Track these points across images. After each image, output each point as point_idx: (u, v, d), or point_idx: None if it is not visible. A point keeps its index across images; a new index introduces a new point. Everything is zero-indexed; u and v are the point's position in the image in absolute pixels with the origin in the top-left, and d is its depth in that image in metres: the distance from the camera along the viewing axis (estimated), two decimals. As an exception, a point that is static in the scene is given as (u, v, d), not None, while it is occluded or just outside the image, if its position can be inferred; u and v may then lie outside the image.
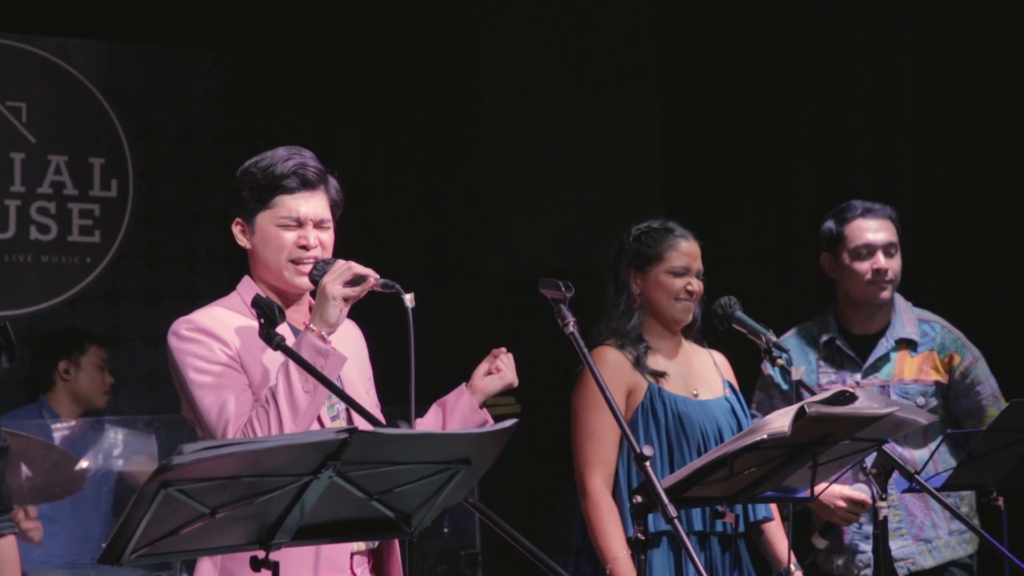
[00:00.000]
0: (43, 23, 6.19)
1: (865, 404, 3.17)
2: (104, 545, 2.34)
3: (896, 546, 4.21)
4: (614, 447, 3.82)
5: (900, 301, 4.38)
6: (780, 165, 6.19)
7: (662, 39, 6.63)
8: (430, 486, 2.49)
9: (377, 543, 3.10)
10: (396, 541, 3.09)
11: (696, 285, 3.90)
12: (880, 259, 4.27)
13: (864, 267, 4.28)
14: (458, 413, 3.19)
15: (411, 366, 2.89)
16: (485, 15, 6.90)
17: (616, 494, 3.80)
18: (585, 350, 3.17)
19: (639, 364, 3.86)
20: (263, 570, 2.43)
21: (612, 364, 3.84)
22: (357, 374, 3.19)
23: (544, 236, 6.81)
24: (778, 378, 4.32)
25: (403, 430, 2.53)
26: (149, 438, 5.42)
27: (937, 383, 4.31)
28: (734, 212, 6.17)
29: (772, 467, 3.19)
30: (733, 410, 3.90)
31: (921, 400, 4.26)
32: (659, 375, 3.86)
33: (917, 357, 4.31)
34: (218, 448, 2.24)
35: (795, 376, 3.66)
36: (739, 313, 3.90)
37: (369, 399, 3.19)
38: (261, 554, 2.42)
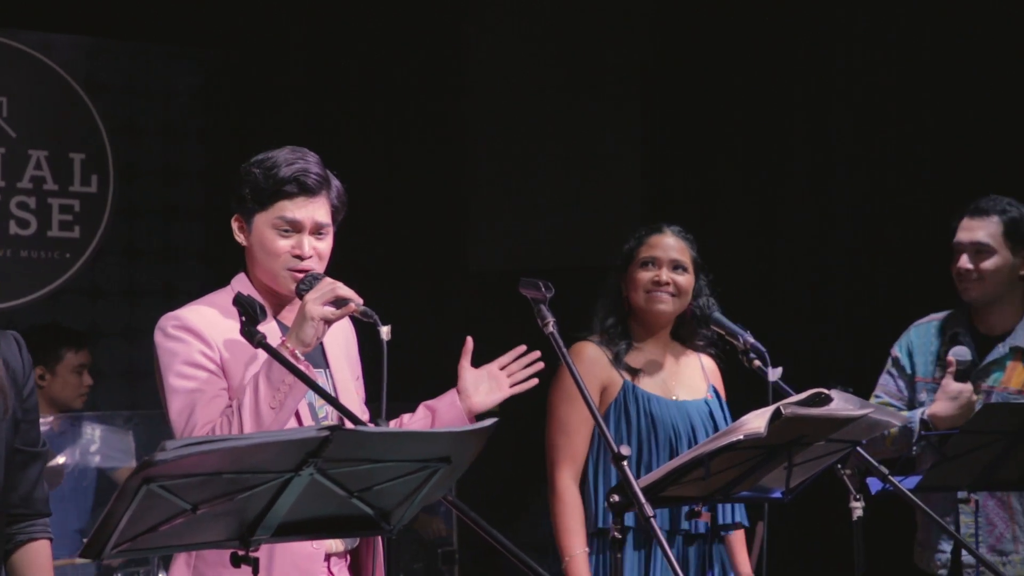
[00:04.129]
0: (25, 18, 6.19)
1: (840, 406, 3.19)
2: (85, 540, 2.35)
3: (967, 552, 4.05)
4: (584, 442, 3.85)
5: None
6: (763, 165, 6.23)
7: (645, 40, 6.66)
8: (410, 484, 2.51)
9: (356, 543, 3.10)
10: (379, 541, 3.08)
11: (666, 276, 3.89)
12: (964, 260, 4.22)
13: (954, 266, 4.26)
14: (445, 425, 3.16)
15: (383, 395, 2.87)
16: (470, 13, 6.91)
17: (584, 488, 3.84)
18: (564, 350, 3.18)
19: (617, 361, 3.88)
20: (243, 566, 2.44)
21: (588, 359, 3.87)
22: (347, 370, 3.19)
23: (527, 235, 6.83)
24: (904, 360, 4.30)
25: (384, 428, 2.54)
26: (127, 434, 5.41)
27: None
28: (716, 212, 6.20)
29: (748, 467, 3.21)
30: (712, 414, 3.92)
31: None
32: (635, 373, 3.88)
33: None
34: (200, 444, 2.26)
35: (772, 378, 3.67)
36: (717, 314, 3.93)
37: (356, 397, 3.19)
38: (241, 551, 2.43)
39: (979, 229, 4.23)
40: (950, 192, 5.61)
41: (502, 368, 3.28)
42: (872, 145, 5.93)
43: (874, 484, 3.78)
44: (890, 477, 3.51)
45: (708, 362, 4.03)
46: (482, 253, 6.87)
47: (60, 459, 5.06)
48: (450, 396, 3.24)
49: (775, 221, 6.15)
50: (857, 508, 3.47)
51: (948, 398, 4.08)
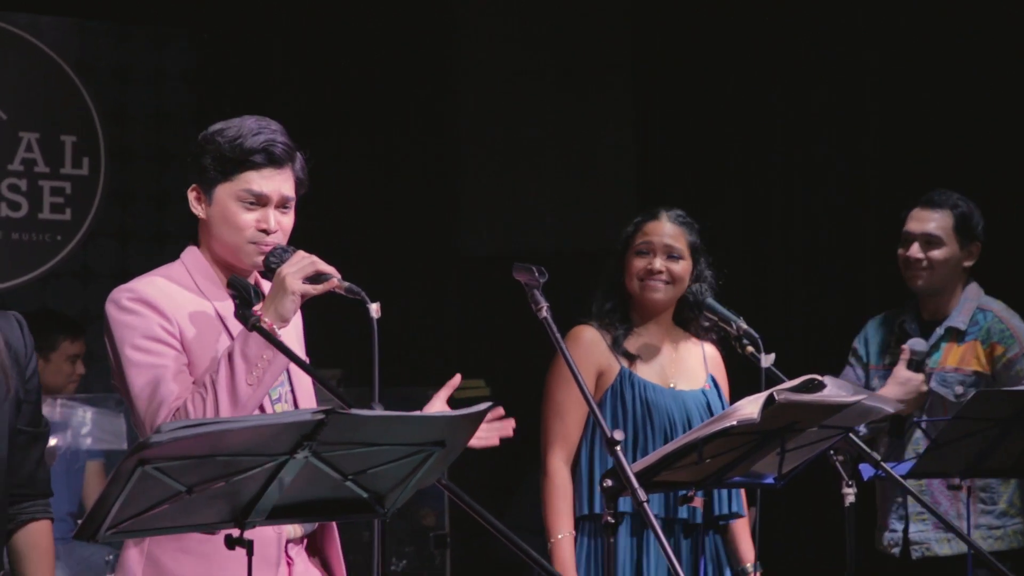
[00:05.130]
0: (15, -1, 6.17)
1: (833, 392, 3.20)
2: (79, 522, 2.35)
3: (915, 529, 4.33)
4: (578, 425, 3.86)
5: (971, 290, 4.44)
6: (753, 152, 6.23)
7: (635, 26, 6.66)
8: (404, 467, 2.51)
9: (314, 527, 3.02)
10: (334, 525, 3.03)
11: (659, 264, 3.88)
12: (915, 249, 4.39)
13: (903, 254, 4.44)
14: None
15: (375, 376, 2.79)
16: (462, -1, 6.91)
17: (575, 471, 3.85)
18: (558, 335, 3.17)
19: (616, 346, 3.88)
20: (237, 548, 2.44)
21: (586, 342, 3.87)
22: (298, 354, 3.04)
23: (518, 220, 6.83)
24: (861, 350, 4.50)
25: (379, 411, 2.54)
26: (118, 417, 5.40)
27: (977, 373, 4.35)
28: (709, 197, 6.20)
29: (741, 453, 3.22)
30: (709, 404, 3.91)
31: (960, 389, 4.33)
32: (633, 359, 3.88)
33: (963, 346, 4.38)
34: (196, 427, 2.25)
35: (764, 363, 3.69)
36: (710, 300, 3.93)
37: (307, 381, 3.07)
38: (236, 533, 2.43)
39: (930, 221, 4.41)
40: (936, 180, 5.63)
41: None
42: (865, 133, 5.94)
43: (866, 470, 3.81)
44: (882, 463, 3.53)
45: (711, 350, 4.01)
46: (474, 239, 6.86)
47: (52, 441, 5.05)
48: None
49: (768, 207, 6.15)
50: (849, 494, 3.49)
51: (897, 383, 4.29)
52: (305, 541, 3.03)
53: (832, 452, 3.45)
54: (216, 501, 2.39)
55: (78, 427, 5.35)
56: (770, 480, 3.36)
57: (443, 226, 6.82)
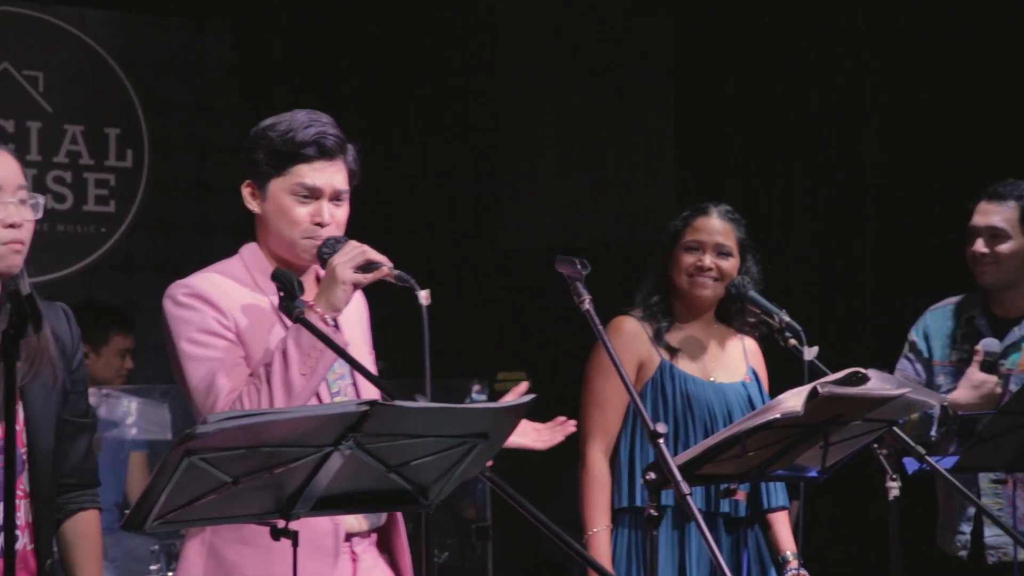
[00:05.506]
0: (61, -7, 6.22)
1: (877, 385, 3.18)
2: (126, 512, 2.37)
3: (990, 533, 4.17)
4: (618, 416, 3.85)
5: None
6: (792, 150, 6.21)
7: (677, 18, 6.64)
8: (448, 459, 2.51)
9: (382, 521, 3.04)
10: (400, 519, 3.05)
11: (709, 261, 3.87)
12: (980, 243, 4.24)
13: (969, 249, 4.28)
14: None
15: (426, 363, 2.80)
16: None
17: (614, 463, 3.85)
18: (600, 327, 3.16)
19: (657, 338, 3.88)
20: (282, 540, 2.45)
21: (628, 333, 3.87)
22: (362, 345, 3.10)
23: (558, 213, 6.83)
24: (921, 344, 4.32)
25: (422, 403, 2.54)
26: (162, 407, 5.44)
27: None
28: (749, 189, 6.19)
29: (784, 446, 3.20)
30: (749, 397, 3.90)
31: None
32: (674, 352, 3.88)
33: None
34: (241, 418, 2.27)
35: (807, 356, 3.66)
36: (752, 293, 3.91)
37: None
38: (281, 523, 2.44)
39: (995, 213, 4.25)
40: (982, 169, 5.59)
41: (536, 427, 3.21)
42: (903, 120, 5.90)
43: (910, 464, 3.78)
44: (927, 457, 3.50)
45: (751, 343, 4.01)
46: (516, 233, 6.87)
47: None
48: None
49: (808, 198, 6.13)
50: (893, 488, 3.46)
51: (971, 386, 4.11)
52: (374, 537, 3.03)
53: (876, 445, 3.43)
54: (261, 492, 2.40)
55: (123, 418, 5.39)
56: (813, 473, 3.34)
57: (485, 220, 6.83)
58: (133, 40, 6.46)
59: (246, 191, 3.04)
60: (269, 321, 2.94)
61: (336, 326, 2.99)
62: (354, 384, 3.04)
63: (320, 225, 2.96)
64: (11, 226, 2.67)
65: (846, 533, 5.68)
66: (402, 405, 2.40)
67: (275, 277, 2.87)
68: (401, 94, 6.65)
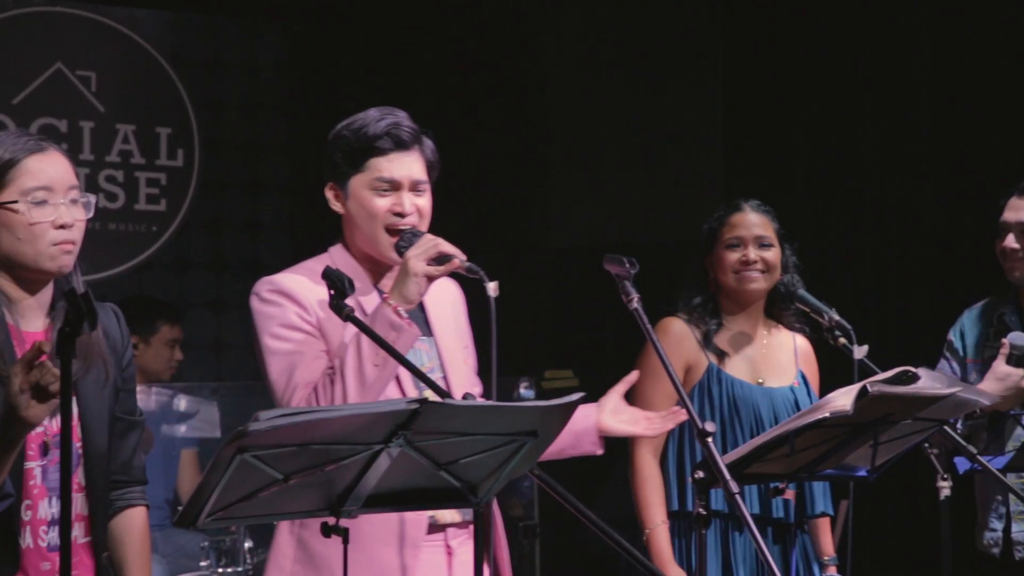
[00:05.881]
0: (113, -6, 6.28)
1: (927, 384, 3.16)
2: (178, 509, 2.39)
3: (1017, 529, 4.18)
4: None
5: None
6: (842, 144, 6.17)
7: (725, 15, 6.62)
8: (497, 457, 2.52)
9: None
10: (499, 517, 3.03)
11: (753, 254, 3.86)
12: (1011, 239, 4.22)
13: (999, 245, 4.26)
14: (572, 432, 3.00)
15: (493, 354, 2.82)
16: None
17: (664, 464, 3.84)
18: (648, 326, 3.16)
19: (706, 341, 3.87)
20: (333, 536, 2.47)
21: (675, 336, 3.86)
22: (455, 338, 3.12)
23: (606, 211, 6.82)
24: (957, 343, 4.33)
25: (472, 401, 2.55)
26: (212, 405, 5.48)
27: None
28: (797, 186, 6.16)
29: (833, 445, 3.19)
30: (797, 401, 3.87)
31: None
32: (722, 356, 3.86)
33: None
34: (292, 416, 2.28)
35: (857, 355, 3.65)
36: (802, 291, 3.90)
37: (466, 367, 3.12)
38: (332, 520, 2.46)
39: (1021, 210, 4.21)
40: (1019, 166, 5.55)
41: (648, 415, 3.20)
42: (953, 118, 5.86)
43: (961, 464, 3.75)
44: (978, 457, 3.48)
45: (803, 343, 3.98)
46: (563, 231, 6.87)
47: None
48: (589, 407, 3.13)
49: (857, 196, 6.09)
50: (944, 488, 3.45)
51: (996, 379, 4.09)
52: (470, 529, 3.03)
53: (927, 445, 3.41)
54: (312, 489, 2.41)
55: (173, 415, 5.44)
56: (863, 473, 3.32)
57: (533, 218, 6.83)
58: (184, 40, 6.51)
59: (329, 193, 3.08)
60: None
61: (426, 319, 3.03)
62: (444, 377, 3.05)
63: (401, 216, 3.00)
64: (62, 227, 2.70)
65: (896, 533, 5.65)
66: (452, 403, 2.42)
67: (325, 276, 2.90)
68: (450, 92, 6.66)
